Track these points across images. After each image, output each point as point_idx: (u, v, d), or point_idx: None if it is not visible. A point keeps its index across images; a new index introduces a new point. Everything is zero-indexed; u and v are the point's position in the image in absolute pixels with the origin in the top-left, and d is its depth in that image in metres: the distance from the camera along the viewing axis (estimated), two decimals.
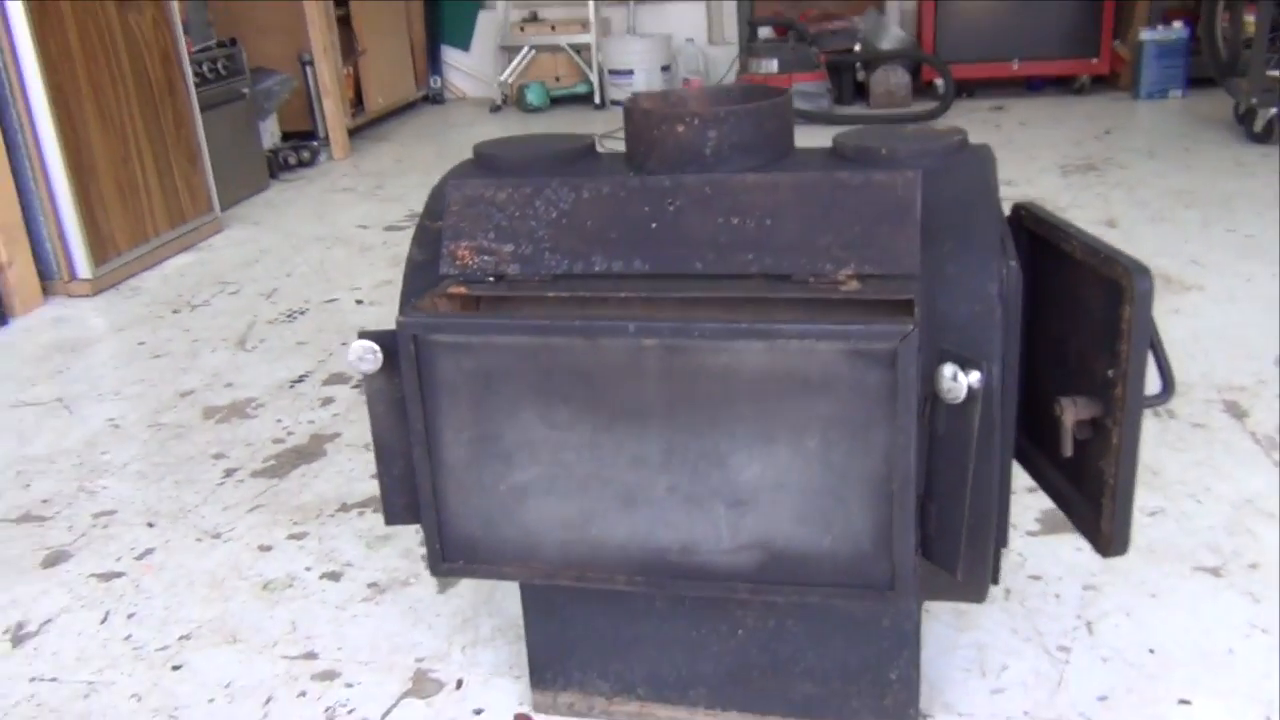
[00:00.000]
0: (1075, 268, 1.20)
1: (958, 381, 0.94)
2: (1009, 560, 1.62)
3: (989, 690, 1.37)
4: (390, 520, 1.15)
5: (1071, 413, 1.18)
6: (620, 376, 1.03)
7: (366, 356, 1.07)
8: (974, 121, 4.79)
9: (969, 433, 0.98)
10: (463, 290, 1.13)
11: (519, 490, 1.08)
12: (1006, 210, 1.32)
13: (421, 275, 1.19)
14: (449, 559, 1.12)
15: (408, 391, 1.06)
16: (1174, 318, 2.49)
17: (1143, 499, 1.75)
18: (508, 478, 1.08)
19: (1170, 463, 1.87)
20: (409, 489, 1.12)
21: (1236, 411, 2.03)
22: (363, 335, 1.07)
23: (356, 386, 2.38)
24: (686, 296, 1.08)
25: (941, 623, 1.49)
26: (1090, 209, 3.38)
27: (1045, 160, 4.01)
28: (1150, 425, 1.99)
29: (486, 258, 1.13)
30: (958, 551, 1.02)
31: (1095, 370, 1.18)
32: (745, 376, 1.00)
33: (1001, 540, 1.19)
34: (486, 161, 1.30)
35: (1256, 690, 1.34)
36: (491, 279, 1.12)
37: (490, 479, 1.08)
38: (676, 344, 1.00)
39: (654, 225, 1.10)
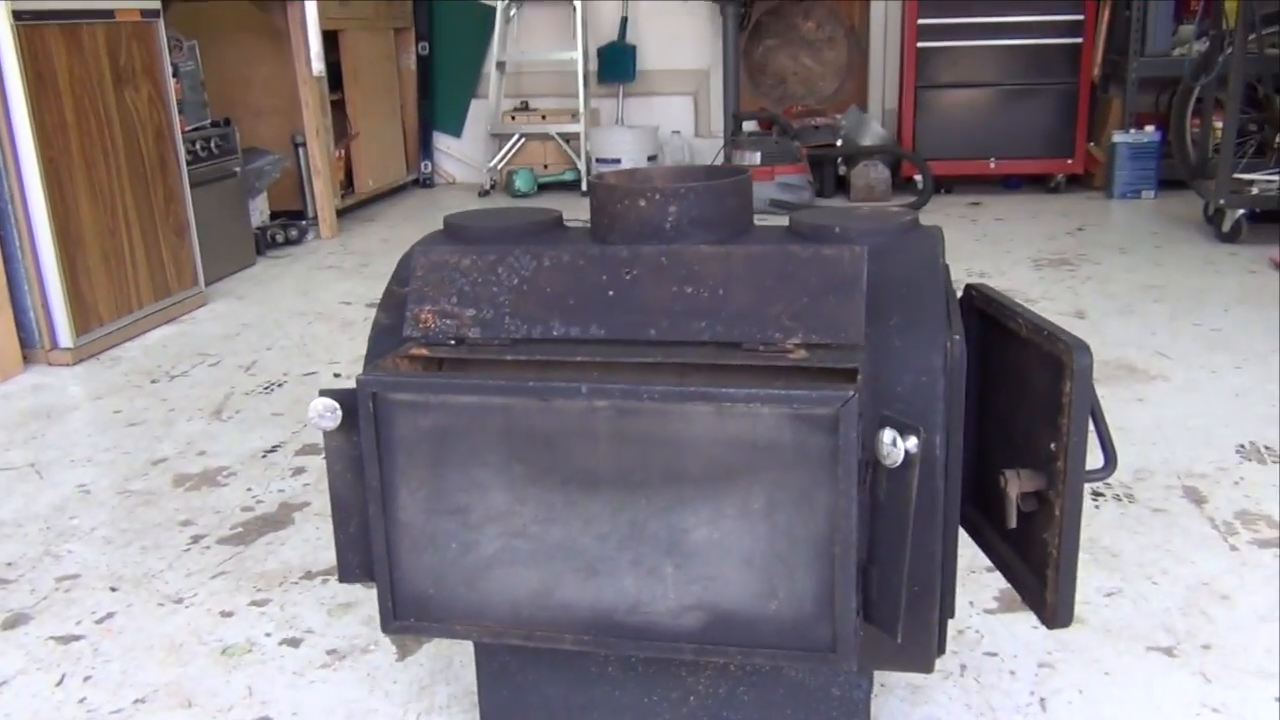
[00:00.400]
0: (1021, 345, 1.25)
1: (896, 446, 0.97)
2: (966, 637, 1.63)
3: None
4: (344, 578, 1.17)
5: (1015, 485, 1.21)
6: (573, 438, 1.05)
7: (326, 414, 1.10)
8: (951, 216, 4.90)
9: (908, 497, 1.01)
10: (424, 352, 1.16)
11: (471, 549, 1.10)
12: (961, 291, 1.37)
13: (386, 338, 1.23)
14: (400, 616, 1.13)
15: (365, 449, 1.08)
16: (1138, 406, 2.54)
17: (1100, 580, 1.78)
18: (460, 536, 1.10)
19: (1128, 545, 1.89)
20: (363, 547, 1.14)
21: (1196, 497, 2.06)
22: (323, 393, 1.10)
23: None
24: (641, 361, 1.12)
25: (896, 697, 1.50)
26: (1061, 300, 3.45)
27: (1019, 254, 4.10)
28: (1110, 509, 2.02)
29: (449, 321, 1.16)
30: (898, 615, 1.04)
31: (1040, 444, 1.21)
32: (694, 439, 1.03)
33: (948, 610, 1.21)
34: (455, 232, 1.34)
35: None
36: (453, 342, 1.16)
37: (443, 537, 1.10)
38: (627, 406, 1.03)
39: (611, 293, 1.13)
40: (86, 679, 1.62)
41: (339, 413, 1.09)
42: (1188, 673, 1.53)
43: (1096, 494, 2.08)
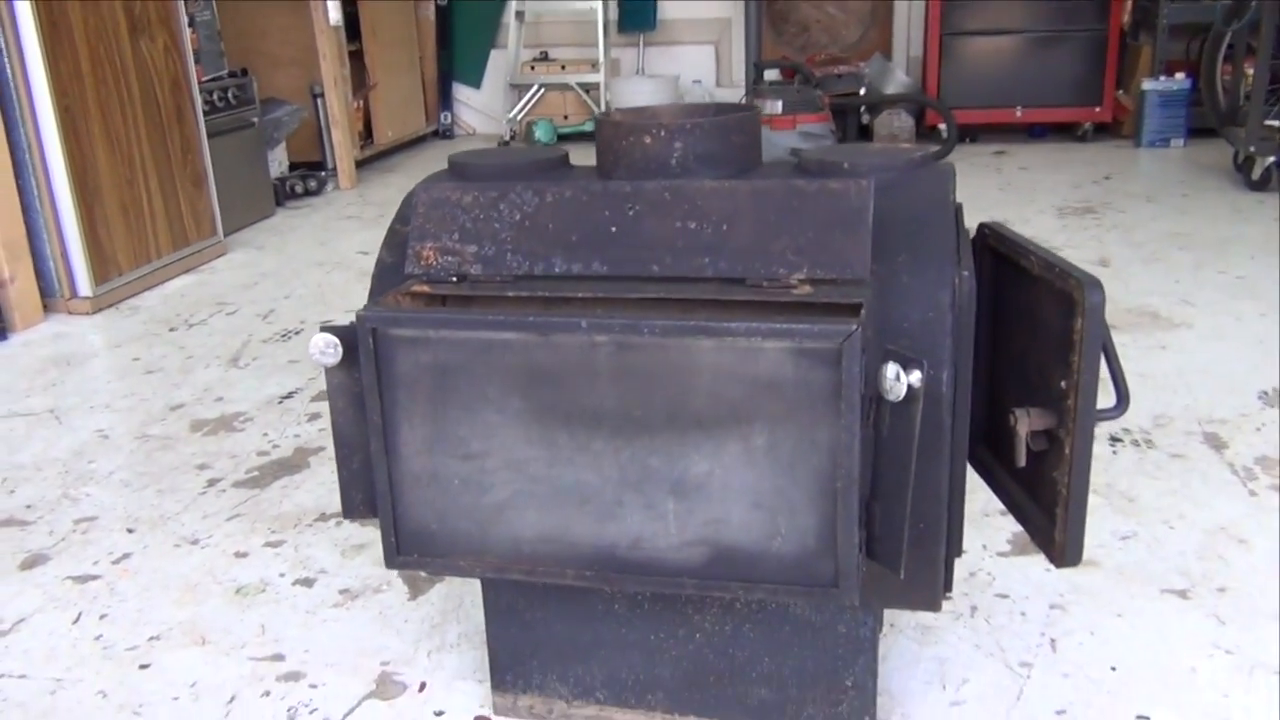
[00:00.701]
0: (1033, 283, 1.22)
1: (899, 380, 0.96)
2: (978, 579, 1.63)
3: (948, 703, 1.37)
4: (348, 514, 1.17)
5: (1025, 423, 1.19)
6: (574, 373, 1.05)
7: (327, 350, 1.09)
8: (975, 165, 4.84)
9: (911, 432, 0.99)
10: (425, 289, 1.15)
11: (473, 485, 1.10)
12: (973, 230, 1.35)
13: (389, 276, 1.22)
14: (404, 552, 1.13)
15: (365, 385, 1.08)
16: (1160, 353, 2.51)
17: (1116, 524, 1.76)
18: (462, 472, 1.10)
19: (1146, 490, 1.87)
20: (366, 483, 1.14)
21: (1216, 443, 2.04)
22: (324, 329, 1.10)
23: None
24: (643, 297, 1.10)
25: (906, 637, 1.50)
26: (1085, 249, 3.40)
27: (1043, 203, 4.04)
28: (1128, 455, 2.00)
29: (450, 258, 1.15)
30: (901, 551, 1.03)
31: (1051, 382, 1.19)
32: (695, 374, 1.02)
33: (955, 549, 1.20)
34: (459, 170, 1.33)
35: (1215, 708, 1.33)
36: (454, 279, 1.15)
37: (445, 473, 1.10)
38: (627, 341, 1.02)
39: (614, 229, 1.12)
40: (103, 617, 1.64)
41: (339, 349, 1.09)
42: (1201, 615, 1.52)
43: (1114, 439, 2.06)
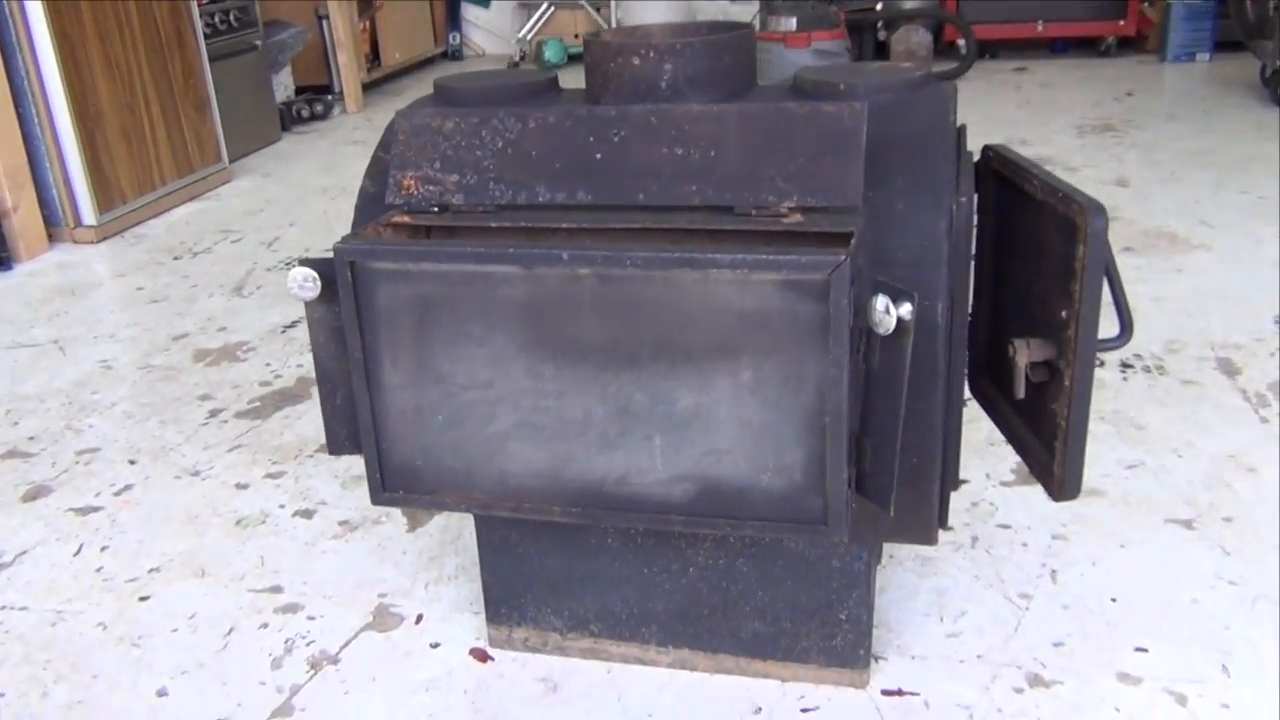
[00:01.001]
0: (1037, 208, 1.18)
1: (889, 313, 0.93)
2: (980, 509, 1.61)
3: (945, 634, 1.36)
4: (333, 450, 1.15)
5: (1025, 354, 1.16)
6: (556, 305, 1.02)
7: (306, 284, 1.07)
8: (995, 83, 4.73)
9: (901, 366, 0.97)
10: (407, 220, 1.12)
11: (457, 420, 1.08)
12: (978, 152, 1.30)
13: (372, 206, 1.19)
14: (389, 488, 1.12)
15: (345, 319, 1.05)
16: (1175, 276, 2.45)
17: (1123, 452, 1.74)
18: (446, 408, 1.08)
19: (1155, 417, 1.84)
20: (350, 418, 1.12)
21: (1229, 369, 2.00)
22: (303, 262, 1.07)
23: None
24: (628, 228, 1.07)
25: (905, 568, 1.48)
26: (1103, 168, 3.32)
27: (1062, 121, 3.95)
28: (1139, 381, 1.97)
29: (432, 187, 1.12)
30: (890, 488, 1.01)
31: (1053, 312, 1.16)
32: (681, 307, 0.99)
33: (951, 483, 1.18)
34: (445, 95, 1.29)
35: (1215, 639, 1.32)
36: (436, 209, 1.12)
37: (429, 409, 1.08)
38: (610, 273, 0.99)
39: (598, 156, 1.08)
40: (104, 549, 1.65)
41: (318, 282, 1.06)
42: (1206, 545, 1.50)
43: (1125, 365, 2.03)
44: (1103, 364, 2.04)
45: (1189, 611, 1.37)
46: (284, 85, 4.54)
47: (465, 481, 1.10)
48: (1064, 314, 1.13)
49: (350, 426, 1.13)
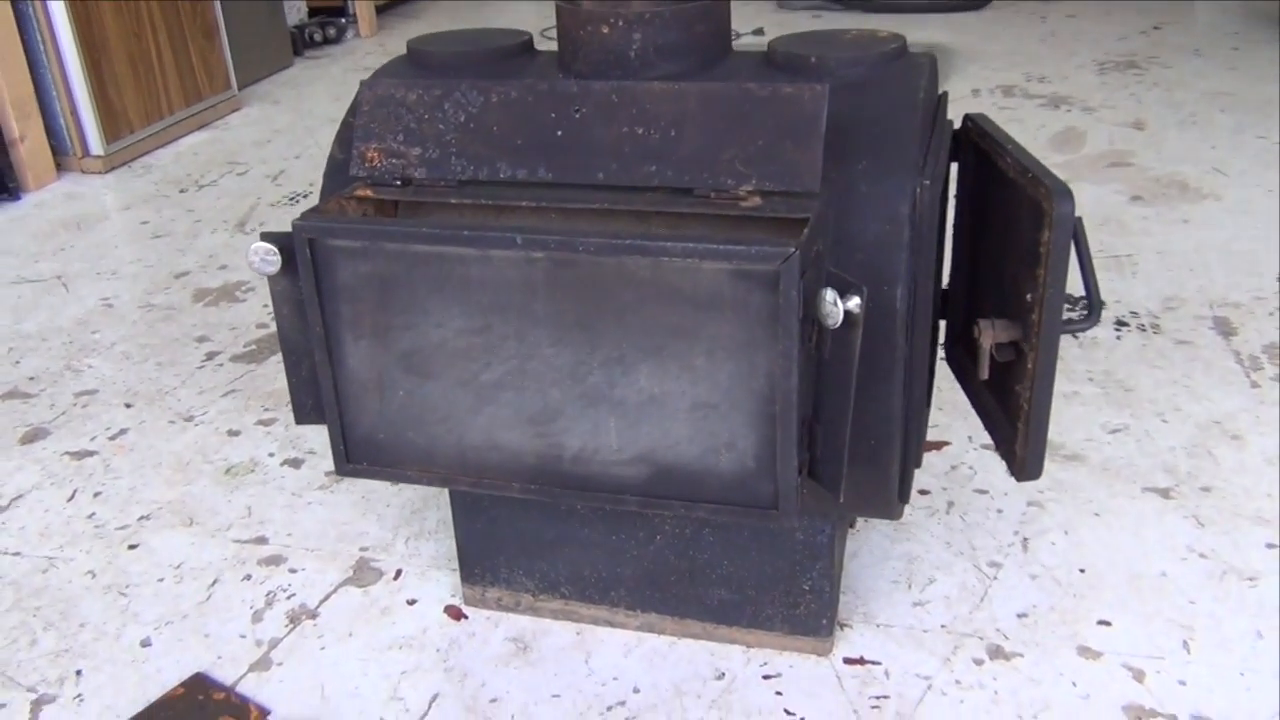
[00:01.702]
0: (1009, 186, 1.17)
1: (836, 306, 0.92)
2: (958, 473, 1.61)
3: (911, 603, 1.38)
4: (299, 419, 1.17)
5: (989, 336, 1.16)
6: (511, 287, 1.02)
7: (268, 259, 1.07)
8: (1020, 13, 4.60)
9: (850, 357, 0.96)
10: (369, 193, 1.12)
11: (416, 395, 1.09)
12: (960, 120, 1.28)
13: (339, 174, 1.19)
14: (353, 460, 1.14)
15: (306, 295, 1.06)
16: (1181, 228, 2.41)
17: (1108, 415, 1.73)
18: (406, 383, 1.09)
19: (1145, 379, 1.83)
20: (315, 389, 1.13)
21: (1225, 329, 1.98)
22: (264, 237, 1.07)
23: None
24: (587, 208, 1.07)
25: (879, 533, 1.50)
26: (1121, 109, 3.25)
27: (1084, 56, 3.85)
28: (1132, 341, 1.96)
29: (394, 160, 1.11)
30: (840, 474, 1.01)
31: (1020, 293, 1.15)
32: (634, 291, 0.99)
33: (912, 461, 1.18)
34: (417, 58, 1.28)
35: (1179, 614, 1.33)
36: (398, 182, 1.11)
37: (390, 384, 1.09)
38: (563, 257, 0.99)
39: (559, 133, 1.07)
40: (96, 495, 1.68)
41: (278, 257, 1.07)
42: (1180, 515, 1.50)
43: (1120, 323, 2.01)
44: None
45: (1156, 584, 1.38)
46: (297, 8, 4.48)
47: (426, 455, 1.12)
48: (1029, 297, 1.12)
49: (315, 397, 1.14)
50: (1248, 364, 1.86)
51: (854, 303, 0.92)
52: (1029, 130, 3.09)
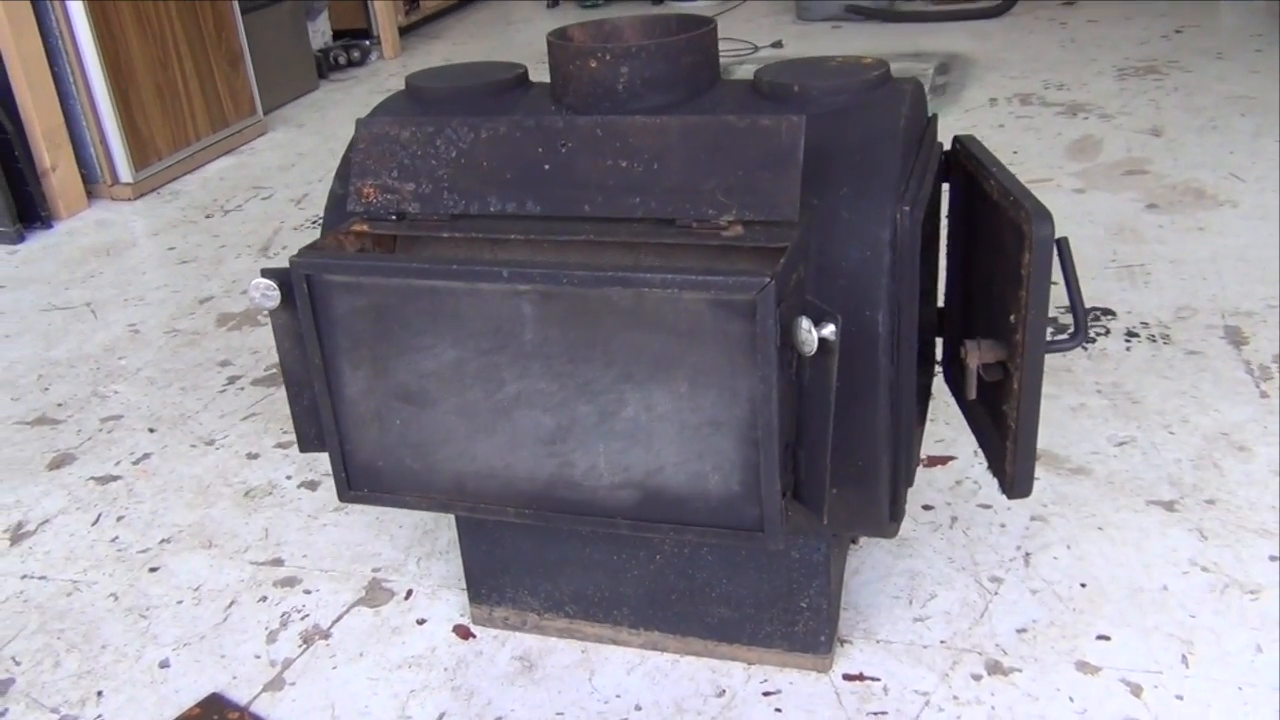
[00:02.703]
0: (994, 208, 1.18)
1: (811, 334, 0.94)
2: (963, 488, 1.63)
3: (912, 618, 1.39)
4: (303, 448, 1.21)
5: (975, 356, 1.17)
6: (500, 319, 1.05)
7: (267, 294, 1.11)
8: (1040, 19, 4.59)
9: (827, 383, 0.99)
10: (366, 228, 1.15)
11: (414, 423, 1.12)
12: (951, 142, 1.30)
13: (340, 210, 1.22)
14: (354, 487, 1.17)
15: (304, 328, 1.10)
16: (1196, 235, 2.41)
17: (1115, 427, 1.74)
18: (403, 412, 1.12)
19: (1153, 391, 1.83)
20: (317, 419, 1.17)
21: (1237, 338, 1.97)
22: (264, 273, 1.11)
23: None
24: (574, 240, 1.09)
25: (882, 549, 1.51)
26: (1139, 115, 3.24)
27: (1104, 62, 3.84)
28: (1142, 351, 1.96)
29: (390, 196, 1.15)
30: (823, 497, 1.03)
31: (1006, 314, 1.16)
32: (618, 322, 1.02)
33: (904, 479, 1.20)
34: (415, 93, 1.31)
35: (1179, 628, 1.33)
36: (394, 217, 1.15)
37: (388, 413, 1.13)
38: (550, 290, 1.02)
39: (547, 167, 1.10)
40: (120, 519, 1.73)
41: (277, 292, 1.10)
42: (1184, 529, 1.51)
43: (1131, 334, 2.01)
44: (1108, 332, 2.03)
45: (1157, 599, 1.39)
46: (321, 31, 4.56)
47: (425, 482, 1.15)
48: (1013, 318, 1.13)
49: (317, 426, 1.18)
50: (1258, 374, 1.86)
51: (829, 330, 0.94)
52: (1045, 138, 3.09)
